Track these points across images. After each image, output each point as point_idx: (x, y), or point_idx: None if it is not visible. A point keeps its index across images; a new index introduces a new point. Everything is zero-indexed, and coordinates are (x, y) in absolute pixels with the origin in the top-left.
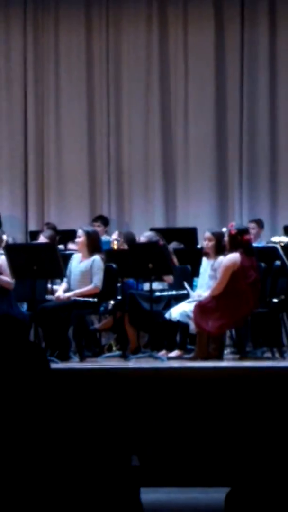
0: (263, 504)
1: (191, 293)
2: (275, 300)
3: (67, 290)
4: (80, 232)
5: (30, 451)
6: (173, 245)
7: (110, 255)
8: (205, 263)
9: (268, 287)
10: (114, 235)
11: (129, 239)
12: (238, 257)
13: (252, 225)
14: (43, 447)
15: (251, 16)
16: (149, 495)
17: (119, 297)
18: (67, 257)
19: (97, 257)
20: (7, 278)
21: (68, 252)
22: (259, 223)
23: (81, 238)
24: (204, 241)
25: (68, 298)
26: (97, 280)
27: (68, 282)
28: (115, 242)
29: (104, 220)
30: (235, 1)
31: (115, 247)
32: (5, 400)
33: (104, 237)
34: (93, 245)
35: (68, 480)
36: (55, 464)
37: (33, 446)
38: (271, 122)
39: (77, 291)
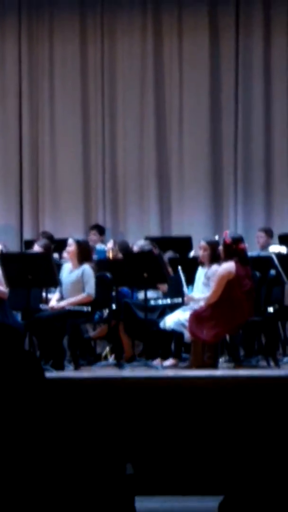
0: None
1: (186, 290)
2: (269, 309)
3: (60, 299)
4: (70, 241)
5: (25, 460)
6: (168, 255)
7: (104, 264)
8: (200, 271)
9: (263, 296)
10: (110, 244)
11: (124, 248)
12: (233, 266)
13: (261, 233)
14: (38, 456)
15: (246, 25)
16: (143, 503)
17: (114, 306)
18: (61, 266)
19: (86, 266)
20: (2, 287)
21: (62, 261)
22: (268, 232)
23: (71, 247)
24: (199, 250)
25: (62, 307)
26: (90, 288)
27: (61, 292)
28: (111, 251)
29: (100, 229)
30: (229, 10)
31: (111, 255)
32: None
33: (100, 246)
34: (84, 254)
35: (62, 488)
36: (50, 472)
37: (28, 455)
38: (266, 131)
39: (70, 300)
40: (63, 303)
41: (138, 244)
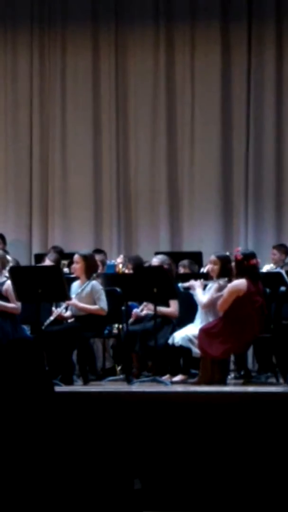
0: None
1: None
2: (280, 324)
3: (71, 317)
4: (76, 258)
5: (34, 473)
6: (184, 263)
7: (114, 279)
8: (209, 285)
9: (273, 312)
10: (119, 259)
11: (137, 263)
12: (244, 283)
13: (274, 251)
14: (47, 470)
15: (258, 41)
16: None
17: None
18: (71, 280)
19: (94, 282)
20: (13, 304)
21: (73, 276)
22: (282, 249)
23: (79, 264)
24: (210, 264)
25: (70, 316)
26: (102, 303)
27: (71, 309)
28: (120, 266)
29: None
30: (242, 26)
31: (120, 270)
32: (10, 422)
33: (109, 261)
34: (91, 267)
35: (71, 502)
36: (59, 486)
37: (37, 468)
38: (277, 147)
39: (83, 305)
40: (74, 302)
41: (158, 257)
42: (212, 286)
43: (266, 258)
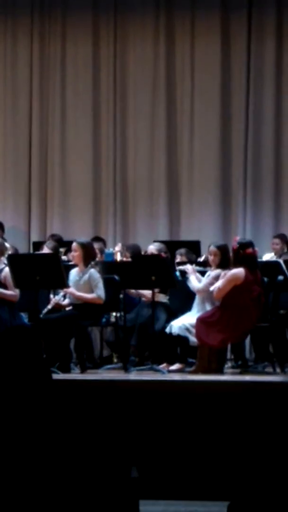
0: None
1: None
2: (278, 314)
3: (68, 304)
4: (74, 246)
5: (30, 461)
6: (181, 251)
7: (112, 267)
8: (208, 273)
9: (270, 301)
10: (118, 247)
11: (135, 251)
12: (242, 272)
13: (276, 240)
14: (43, 457)
15: (258, 31)
16: (148, 507)
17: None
18: (69, 268)
19: (92, 270)
20: (11, 291)
21: (71, 263)
22: (283, 238)
23: (76, 251)
24: (210, 256)
25: (69, 304)
26: (100, 291)
27: (69, 297)
28: (118, 254)
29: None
30: (242, 16)
31: (118, 258)
32: (7, 410)
33: (108, 249)
34: (89, 256)
35: (67, 491)
36: (56, 474)
37: (33, 456)
38: (276, 137)
39: (81, 293)
40: (71, 290)
41: (155, 245)
42: (211, 273)
43: (264, 248)
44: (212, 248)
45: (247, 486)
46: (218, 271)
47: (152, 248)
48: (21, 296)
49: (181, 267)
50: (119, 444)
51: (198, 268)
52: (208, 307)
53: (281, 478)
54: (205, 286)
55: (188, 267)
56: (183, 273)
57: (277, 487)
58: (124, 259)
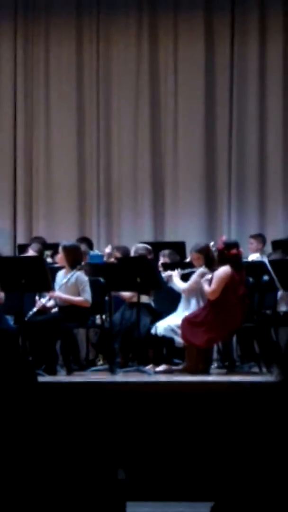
0: None
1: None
2: (264, 314)
3: (55, 306)
4: (60, 249)
5: (16, 464)
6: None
7: (98, 269)
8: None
9: (256, 301)
10: (107, 249)
11: (124, 253)
12: (229, 268)
13: (251, 240)
14: (29, 460)
15: (241, 31)
16: (135, 509)
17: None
18: (55, 270)
19: (78, 273)
20: None
21: (56, 265)
22: (258, 238)
23: (60, 253)
24: (193, 261)
25: (54, 306)
26: (86, 294)
27: (55, 299)
28: (108, 255)
29: (88, 242)
30: (225, 16)
31: (110, 260)
32: None
33: (93, 251)
34: (74, 258)
35: (53, 492)
36: (41, 476)
37: (19, 458)
38: (260, 136)
39: (68, 296)
40: (58, 294)
41: (138, 246)
42: (197, 271)
43: (249, 248)
44: (193, 253)
45: (231, 486)
46: (202, 269)
47: (138, 249)
48: (6, 299)
49: (165, 274)
50: (106, 445)
51: (185, 270)
52: (194, 306)
53: (267, 479)
54: (190, 285)
55: (173, 273)
56: (168, 278)
57: (262, 488)
58: (112, 259)
